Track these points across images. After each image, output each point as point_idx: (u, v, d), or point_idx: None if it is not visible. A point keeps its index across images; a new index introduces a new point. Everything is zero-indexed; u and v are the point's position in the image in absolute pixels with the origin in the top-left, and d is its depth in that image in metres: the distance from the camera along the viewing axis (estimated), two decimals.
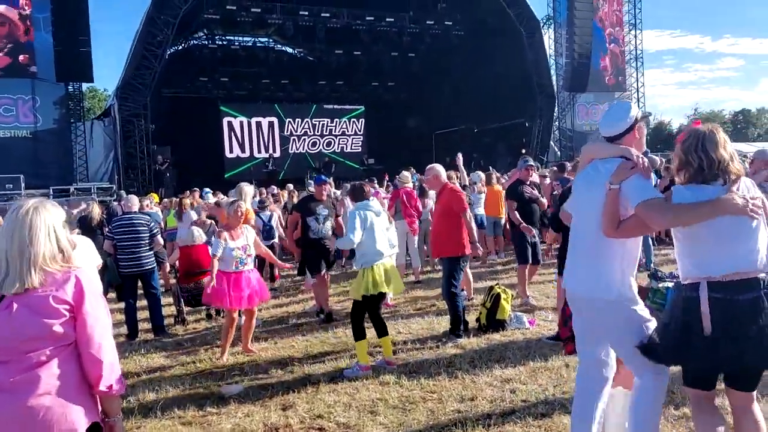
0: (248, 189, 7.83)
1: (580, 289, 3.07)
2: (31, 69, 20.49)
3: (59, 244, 2.21)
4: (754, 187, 2.80)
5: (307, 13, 24.72)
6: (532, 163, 8.21)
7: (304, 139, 29.42)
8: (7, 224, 2.20)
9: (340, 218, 8.18)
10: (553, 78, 28.66)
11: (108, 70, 49.51)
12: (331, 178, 13.63)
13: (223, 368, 5.66)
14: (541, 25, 27.81)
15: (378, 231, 5.40)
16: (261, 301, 6.24)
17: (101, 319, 2.18)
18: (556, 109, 28.75)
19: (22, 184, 18.73)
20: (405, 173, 10.26)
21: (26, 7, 20.33)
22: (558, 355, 5.29)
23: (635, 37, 32.03)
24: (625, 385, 3.26)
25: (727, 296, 2.61)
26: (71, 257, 2.25)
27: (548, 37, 29.63)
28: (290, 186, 15.19)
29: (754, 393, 2.81)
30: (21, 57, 20.40)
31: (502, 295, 6.32)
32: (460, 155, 9.22)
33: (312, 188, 8.88)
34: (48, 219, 2.22)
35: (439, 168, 6.52)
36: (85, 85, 23.95)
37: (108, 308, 2.28)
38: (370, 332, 5.48)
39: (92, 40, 20.29)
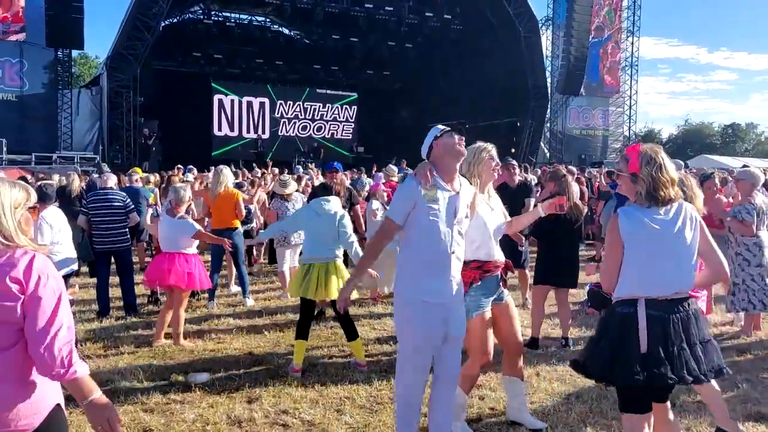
0: (228, 172, 7.74)
1: None
2: (20, 32, 20.05)
3: (21, 221, 2.12)
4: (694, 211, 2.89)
5: None
6: (512, 162, 8.13)
7: (295, 123, 29.21)
8: None
9: (358, 207, 8.04)
10: (548, 79, 28.65)
11: (100, 37, 48.54)
12: (313, 165, 13.40)
13: (191, 354, 5.58)
14: (540, 25, 27.76)
15: (320, 231, 5.21)
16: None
17: (48, 303, 2.04)
18: (548, 110, 28.77)
19: (4, 149, 18.40)
20: (391, 166, 10.17)
21: None
22: (530, 363, 5.27)
23: (632, 44, 32.13)
24: (512, 372, 4.00)
25: (663, 314, 2.75)
26: (29, 236, 2.16)
27: (546, 38, 29.63)
28: (275, 170, 15.02)
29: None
30: (11, 19, 19.95)
31: None
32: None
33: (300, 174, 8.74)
34: (12, 194, 2.14)
35: None
36: (75, 51, 23.54)
37: (65, 290, 2.15)
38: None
39: (85, 6, 19.90)
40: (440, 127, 3.45)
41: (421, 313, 3.23)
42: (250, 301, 7.54)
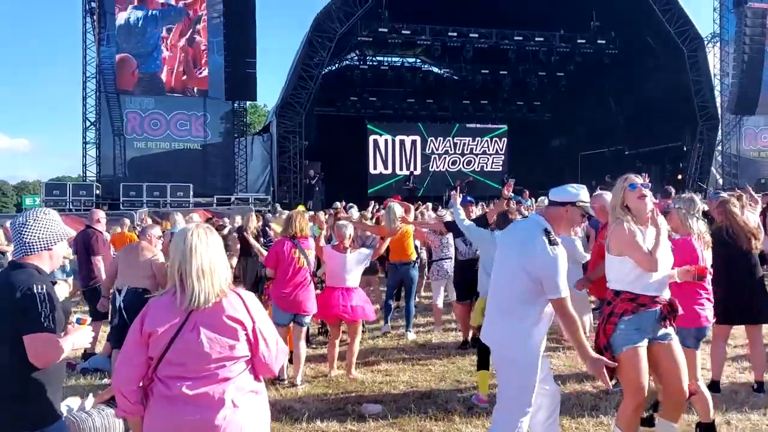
0: (398, 208, 8.01)
1: None
2: (205, 89, 22.67)
3: (228, 266, 2.49)
4: None
5: (455, 34, 24.96)
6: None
7: (445, 158, 29.65)
8: (187, 243, 2.37)
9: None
10: (717, 99, 26.44)
11: (266, 88, 54.78)
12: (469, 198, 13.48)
13: (362, 386, 5.88)
14: (706, 42, 25.83)
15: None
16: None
17: (270, 332, 2.45)
18: (719, 132, 26.46)
19: (191, 193, 20.73)
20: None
21: (203, 32, 22.54)
22: (719, 410, 4.88)
23: None
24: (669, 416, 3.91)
25: None
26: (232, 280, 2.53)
27: (713, 55, 27.43)
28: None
29: None
30: (198, 79, 22.64)
31: None
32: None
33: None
34: (220, 242, 2.50)
35: (609, 197, 4.92)
36: (248, 102, 26.04)
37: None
38: None
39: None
40: (582, 196, 3.55)
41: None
42: (411, 335, 7.79)
